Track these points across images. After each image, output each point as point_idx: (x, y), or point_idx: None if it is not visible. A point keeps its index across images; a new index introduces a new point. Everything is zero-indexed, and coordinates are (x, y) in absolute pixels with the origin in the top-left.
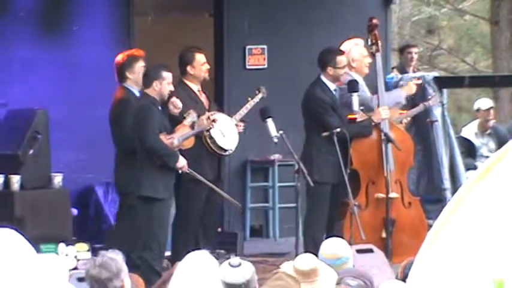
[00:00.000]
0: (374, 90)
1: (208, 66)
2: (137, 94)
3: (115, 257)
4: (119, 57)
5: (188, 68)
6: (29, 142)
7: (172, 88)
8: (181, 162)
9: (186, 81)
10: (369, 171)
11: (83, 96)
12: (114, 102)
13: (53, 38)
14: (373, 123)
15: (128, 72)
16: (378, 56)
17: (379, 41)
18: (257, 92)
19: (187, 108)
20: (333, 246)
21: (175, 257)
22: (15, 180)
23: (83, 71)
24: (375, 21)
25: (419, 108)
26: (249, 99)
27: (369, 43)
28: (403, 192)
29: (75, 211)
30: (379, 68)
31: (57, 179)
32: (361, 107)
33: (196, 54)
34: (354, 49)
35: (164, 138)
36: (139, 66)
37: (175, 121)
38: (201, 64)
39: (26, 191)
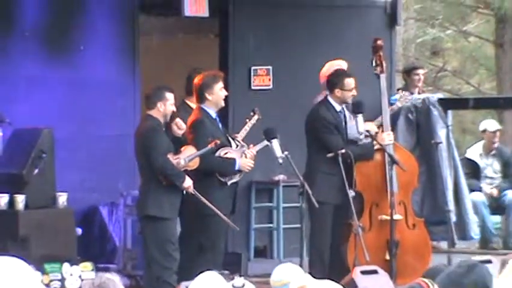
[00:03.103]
0: (378, 111)
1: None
2: (214, 116)
3: (112, 278)
4: (198, 78)
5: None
6: (34, 161)
7: (174, 109)
8: (188, 183)
9: (188, 102)
10: (373, 194)
11: (89, 116)
12: (191, 123)
13: (59, 57)
14: (375, 148)
15: (208, 93)
16: (383, 77)
17: (383, 62)
18: (252, 113)
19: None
20: (279, 273)
21: (180, 276)
22: (20, 199)
23: (88, 90)
24: (379, 42)
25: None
26: (247, 120)
27: (373, 64)
28: (407, 213)
29: (79, 230)
30: (383, 89)
31: (62, 199)
32: (367, 129)
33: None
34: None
35: (171, 158)
36: (219, 87)
37: (178, 142)
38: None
39: (30, 210)
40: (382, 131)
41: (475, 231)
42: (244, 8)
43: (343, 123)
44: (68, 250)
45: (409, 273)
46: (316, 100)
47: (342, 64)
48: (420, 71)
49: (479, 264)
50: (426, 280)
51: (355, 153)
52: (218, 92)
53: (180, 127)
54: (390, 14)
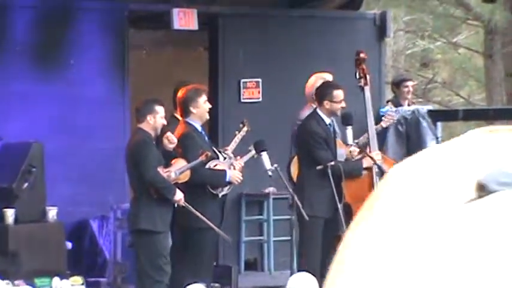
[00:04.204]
0: (363, 124)
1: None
2: (199, 129)
3: None
4: (181, 92)
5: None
6: (24, 175)
7: (165, 122)
8: (179, 196)
9: (177, 115)
10: (362, 205)
11: (79, 130)
12: (178, 136)
13: (49, 72)
14: (364, 166)
15: (192, 106)
16: (367, 89)
17: (367, 75)
18: (241, 125)
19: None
20: (297, 282)
21: None
22: (10, 213)
23: (78, 104)
24: (362, 55)
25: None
26: (236, 132)
27: (357, 77)
28: None
29: (69, 244)
30: (367, 101)
31: (52, 213)
32: (356, 141)
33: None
34: (319, 83)
35: (161, 171)
36: (203, 100)
37: (169, 156)
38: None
39: (20, 224)
40: (369, 146)
41: None
42: (233, 20)
43: (333, 136)
44: (58, 264)
45: None
46: (302, 114)
47: (327, 77)
48: (409, 83)
49: None
50: None
51: (344, 169)
52: (202, 105)
53: (171, 141)
54: (379, 26)
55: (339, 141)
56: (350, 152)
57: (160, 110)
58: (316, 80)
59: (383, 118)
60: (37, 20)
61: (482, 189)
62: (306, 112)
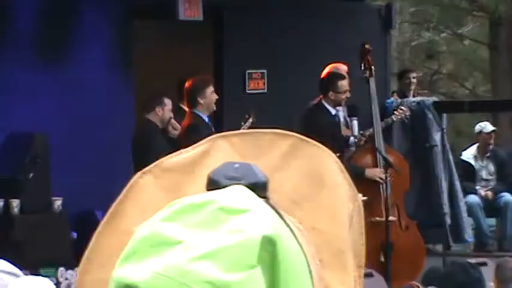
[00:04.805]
0: (369, 115)
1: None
2: (206, 120)
3: None
4: (189, 83)
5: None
6: (29, 166)
7: (171, 115)
8: None
9: (184, 107)
10: (365, 196)
11: (84, 120)
12: (183, 128)
13: (53, 61)
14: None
15: (200, 97)
16: (372, 81)
17: (372, 66)
18: (247, 116)
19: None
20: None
21: None
22: (15, 204)
23: (84, 95)
24: (367, 46)
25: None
26: (242, 123)
27: (362, 68)
28: (400, 215)
29: (74, 235)
30: (373, 93)
31: (57, 203)
32: (361, 132)
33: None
34: None
35: None
36: (210, 91)
37: (174, 144)
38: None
39: (25, 215)
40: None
41: (469, 233)
42: (238, 11)
43: (338, 127)
44: (63, 254)
45: (403, 276)
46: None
47: (341, 68)
48: (412, 74)
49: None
50: (417, 283)
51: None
52: (210, 96)
53: (175, 127)
54: (385, 17)
55: (344, 128)
56: (358, 139)
57: (168, 102)
58: (331, 70)
59: (395, 112)
60: (41, 10)
61: (213, 184)
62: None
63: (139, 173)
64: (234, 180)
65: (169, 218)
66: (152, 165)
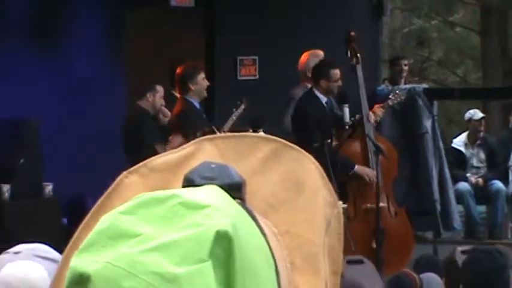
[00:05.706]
0: (357, 102)
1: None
2: (198, 106)
3: None
4: (180, 69)
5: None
6: (20, 152)
7: (163, 102)
8: None
9: (175, 93)
10: (357, 183)
11: (75, 106)
12: (174, 114)
13: (45, 48)
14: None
15: (191, 83)
16: (359, 68)
17: (358, 53)
18: (239, 103)
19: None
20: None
21: None
22: (6, 189)
23: (75, 82)
24: (352, 33)
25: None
26: (234, 110)
27: (348, 55)
28: (390, 202)
29: (65, 221)
30: (360, 80)
31: (48, 189)
32: (352, 118)
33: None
34: (311, 60)
35: (161, 149)
36: (201, 77)
37: (165, 130)
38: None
39: (16, 200)
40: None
41: (458, 221)
42: None
43: (330, 115)
44: (53, 240)
45: (393, 262)
46: (295, 91)
47: (318, 54)
48: (403, 62)
49: None
50: (410, 270)
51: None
52: (201, 82)
53: (165, 114)
54: (376, 4)
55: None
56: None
57: (160, 89)
58: (308, 57)
59: (390, 96)
60: None
61: (188, 183)
62: (299, 90)
63: (124, 173)
64: (209, 180)
65: (130, 211)
66: (138, 164)
